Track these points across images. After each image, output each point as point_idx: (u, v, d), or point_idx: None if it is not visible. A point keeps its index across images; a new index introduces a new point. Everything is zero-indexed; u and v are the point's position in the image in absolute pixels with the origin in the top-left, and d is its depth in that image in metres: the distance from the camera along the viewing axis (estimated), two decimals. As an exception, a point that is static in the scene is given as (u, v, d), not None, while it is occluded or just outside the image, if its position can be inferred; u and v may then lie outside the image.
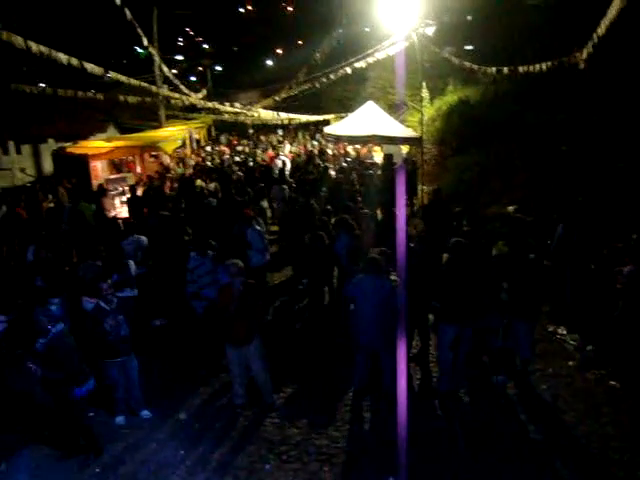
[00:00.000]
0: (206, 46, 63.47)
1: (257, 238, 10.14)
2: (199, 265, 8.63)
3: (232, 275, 7.17)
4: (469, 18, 27.57)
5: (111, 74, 12.60)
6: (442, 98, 22.16)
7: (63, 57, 9.92)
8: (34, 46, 8.85)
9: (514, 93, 17.57)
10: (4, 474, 5.70)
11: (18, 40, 8.46)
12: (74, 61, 10.21)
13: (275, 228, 14.21)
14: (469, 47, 26.64)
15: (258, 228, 10.42)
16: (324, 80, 21.77)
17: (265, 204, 13.41)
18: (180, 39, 63.33)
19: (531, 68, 13.08)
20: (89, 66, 11.00)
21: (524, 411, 7.16)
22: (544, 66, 12.71)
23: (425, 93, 20.31)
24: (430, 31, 18.33)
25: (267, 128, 32.28)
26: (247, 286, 7.21)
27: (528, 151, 14.69)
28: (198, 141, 28.90)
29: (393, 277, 7.31)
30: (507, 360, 7.84)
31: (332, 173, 17.76)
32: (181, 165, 22.38)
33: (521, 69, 13.50)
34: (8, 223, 13.79)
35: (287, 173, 18.54)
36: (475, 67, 16.50)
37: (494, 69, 14.76)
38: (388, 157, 19.26)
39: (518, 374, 7.85)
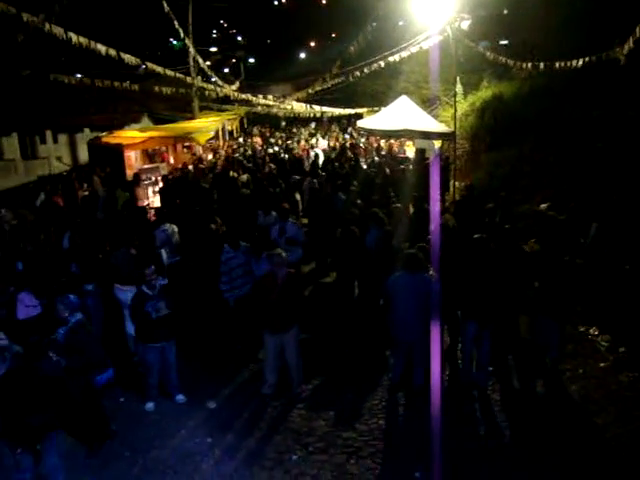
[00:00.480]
0: (240, 38, 63.72)
1: (298, 232, 10.15)
2: (232, 257, 8.65)
3: (276, 265, 7.35)
4: (505, 12, 27.23)
5: (147, 65, 12.73)
6: (476, 93, 21.92)
7: (102, 48, 10.10)
8: (74, 37, 9.02)
9: (549, 89, 17.27)
10: (37, 456, 5.89)
11: (59, 31, 8.62)
12: (112, 52, 10.38)
13: (305, 221, 14.23)
14: (504, 42, 26.31)
15: (295, 222, 10.43)
16: (358, 73, 21.73)
17: (298, 197, 13.40)
18: (214, 31, 63.72)
19: (568, 64, 12.86)
20: (126, 57, 11.18)
21: (553, 411, 7.09)
22: (581, 61, 12.48)
23: (459, 88, 20.11)
24: (465, 25, 18.12)
25: (299, 121, 32.31)
26: (289, 276, 7.39)
27: (562, 148, 14.45)
28: (231, 132, 29.10)
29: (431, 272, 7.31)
30: (535, 358, 7.77)
31: (364, 167, 17.73)
32: (215, 156, 22.54)
33: (558, 65, 13.27)
34: (45, 210, 14.07)
35: (320, 166, 18.51)
36: (510, 62, 16.31)
37: (530, 64, 14.55)
38: (420, 152, 19.14)
39: (547, 373, 7.77)
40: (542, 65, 13.86)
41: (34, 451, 5.82)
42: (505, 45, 25.67)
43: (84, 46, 9.34)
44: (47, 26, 8.31)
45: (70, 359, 6.22)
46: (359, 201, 11.79)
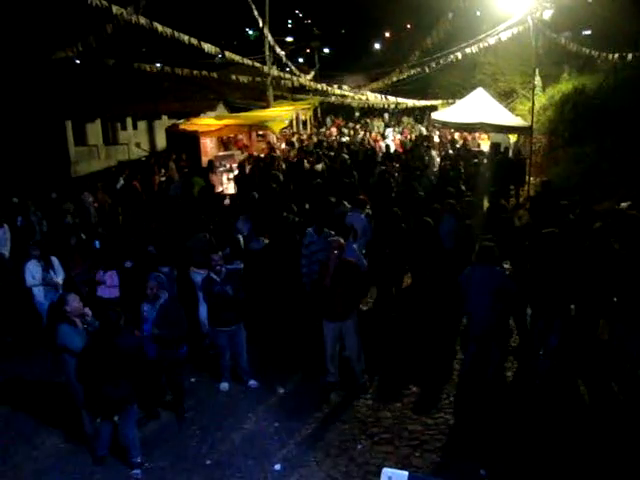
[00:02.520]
0: (315, 28, 63.84)
1: (366, 225, 10.11)
2: (313, 242, 8.70)
3: (332, 249, 7.29)
4: (589, 0, 26.10)
5: (226, 53, 12.99)
6: (555, 86, 21.18)
7: (184, 37, 10.38)
8: (159, 27, 9.31)
9: (636, 81, 16.51)
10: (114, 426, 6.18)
11: (145, 22, 8.91)
12: (193, 41, 10.67)
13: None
14: (587, 32, 25.28)
15: (358, 215, 10.33)
16: (434, 65, 21.49)
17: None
18: (290, 21, 64.09)
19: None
20: (206, 46, 11.47)
21: (631, 419, 6.85)
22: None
23: (537, 81, 19.51)
24: (547, 15, 17.58)
25: (373, 112, 32.17)
26: (343, 262, 7.29)
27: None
28: (305, 122, 29.24)
29: (506, 266, 7.23)
30: (613, 361, 7.51)
31: (437, 160, 17.52)
32: (289, 145, 22.77)
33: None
34: (124, 194, 14.64)
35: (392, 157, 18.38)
36: (595, 53, 15.70)
37: (617, 55, 13.95)
38: (495, 146, 18.78)
39: (626, 377, 7.50)
40: (630, 56, 13.25)
41: (113, 422, 6.13)
42: (588, 35, 24.66)
43: (168, 35, 9.65)
44: (134, 17, 8.61)
45: (162, 331, 6.63)
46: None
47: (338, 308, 7.26)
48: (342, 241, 7.47)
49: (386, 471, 1.78)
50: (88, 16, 14.29)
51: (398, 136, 24.81)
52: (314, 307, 7.92)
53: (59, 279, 8.98)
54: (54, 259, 9.03)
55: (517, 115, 19.49)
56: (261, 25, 17.71)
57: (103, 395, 5.89)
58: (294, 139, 23.82)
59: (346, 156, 16.57)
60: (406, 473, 1.77)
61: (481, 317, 7.10)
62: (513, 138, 19.25)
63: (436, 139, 22.72)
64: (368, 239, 9.77)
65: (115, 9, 9.13)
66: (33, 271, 8.79)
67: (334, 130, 28.41)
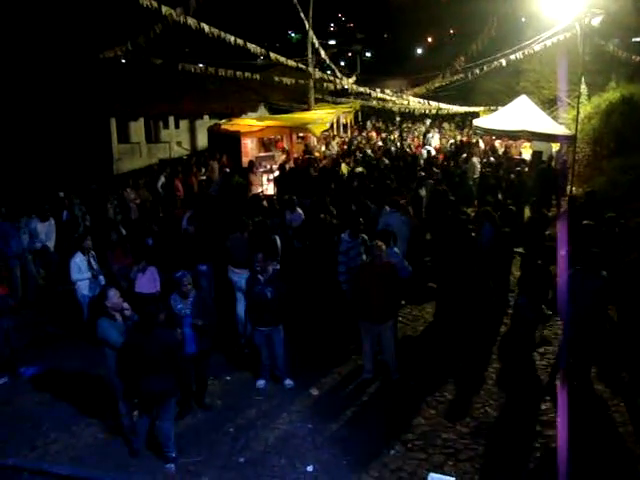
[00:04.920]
0: (357, 32, 63.89)
1: (401, 226, 10.04)
2: (351, 247, 8.68)
3: (374, 254, 7.48)
4: (640, 7, 25.51)
5: (271, 55, 13.10)
6: (602, 95, 20.74)
7: (231, 37, 10.47)
8: (206, 27, 9.43)
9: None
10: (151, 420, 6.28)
11: (193, 22, 9.03)
12: (240, 41, 10.76)
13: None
14: (637, 39, 24.73)
15: (397, 215, 10.29)
16: (477, 71, 21.28)
17: (423, 192, 13.20)
18: (332, 24, 64.27)
19: None
20: (252, 46, 11.55)
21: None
22: None
23: (583, 89, 19.14)
24: (596, 21, 17.18)
25: (413, 117, 32.03)
26: (383, 265, 7.46)
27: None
28: (345, 125, 29.24)
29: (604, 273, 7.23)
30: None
31: (478, 167, 17.35)
32: (328, 147, 22.81)
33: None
34: (166, 192, 14.87)
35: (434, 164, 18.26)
36: (644, 61, 15.32)
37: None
38: (537, 154, 18.51)
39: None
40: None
41: (150, 416, 6.22)
42: (637, 43, 24.12)
43: (215, 36, 9.76)
44: (183, 18, 8.73)
45: (204, 321, 6.83)
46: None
47: (377, 310, 7.40)
48: (383, 245, 7.54)
49: (433, 476, 1.76)
50: (137, 16, 14.62)
51: (437, 142, 24.65)
52: (352, 309, 7.96)
53: (100, 272, 9.15)
54: (93, 254, 9.21)
55: (561, 123, 19.14)
56: (307, 27, 17.72)
57: (142, 389, 5.98)
58: (334, 142, 23.83)
59: (387, 161, 16.52)
60: (453, 479, 1.75)
61: (580, 319, 7.06)
62: (555, 147, 18.94)
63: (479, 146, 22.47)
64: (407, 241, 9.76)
65: (165, 9, 9.30)
66: (79, 264, 8.96)
67: (374, 134, 28.35)
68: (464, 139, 24.37)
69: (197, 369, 7.16)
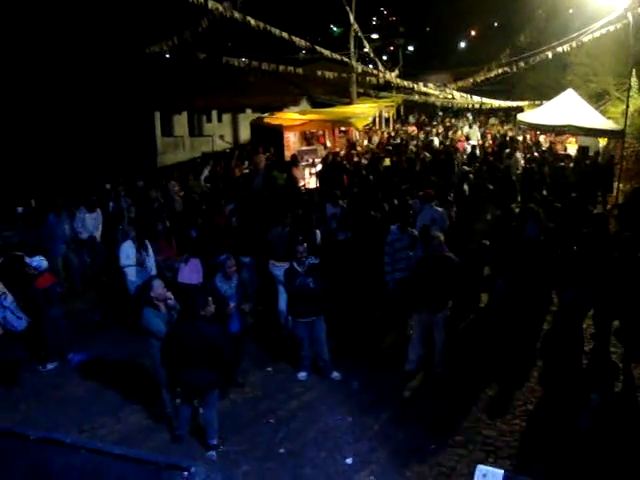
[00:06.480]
0: (400, 26, 63.35)
1: (437, 217, 9.96)
2: (397, 239, 8.72)
3: (433, 246, 7.62)
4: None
5: (316, 48, 13.11)
6: (654, 88, 20.14)
7: (276, 30, 10.52)
8: (252, 21, 9.50)
9: None
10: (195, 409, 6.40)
11: (239, 16, 9.11)
12: (284, 34, 10.79)
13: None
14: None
15: (438, 209, 10.20)
16: (522, 64, 20.87)
17: (465, 187, 13.05)
18: (374, 18, 63.83)
19: None
20: (296, 39, 11.58)
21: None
22: None
23: (634, 82, 18.60)
24: (649, 11, 16.63)
25: (454, 111, 31.67)
26: (443, 258, 7.56)
27: None
28: (387, 119, 29.09)
29: None
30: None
31: (522, 162, 17.06)
32: (371, 141, 22.73)
33: None
34: (210, 185, 15.05)
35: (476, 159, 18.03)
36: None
37: None
38: (583, 150, 18.11)
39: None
40: None
41: (192, 404, 6.34)
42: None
43: (261, 29, 9.83)
44: (230, 12, 8.81)
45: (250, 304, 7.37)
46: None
47: (433, 301, 7.57)
48: (442, 238, 7.68)
49: (481, 468, 1.76)
50: (182, 11, 14.82)
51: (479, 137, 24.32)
52: (397, 303, 7.98)
53: (152, 261, 9.33)
54: (147, 243, 9.39)
55: (609, 118, 18.67)
56: (352, 19, 17.64)
57: (182, 380, 6.10)
58: (376, 137, 23.73)
59: (428, 154, 16.40)
60: (501, 471, 1.75)
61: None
62: (603, 142, 18.50)
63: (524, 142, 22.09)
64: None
65: (211, 4, 9.40)
66: (128, 251, 9.16)
67: (413, 128, 28.14)
68: (511, 134, 23.94)
69: (236, 347, 7.28)
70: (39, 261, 8.28)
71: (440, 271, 7.50)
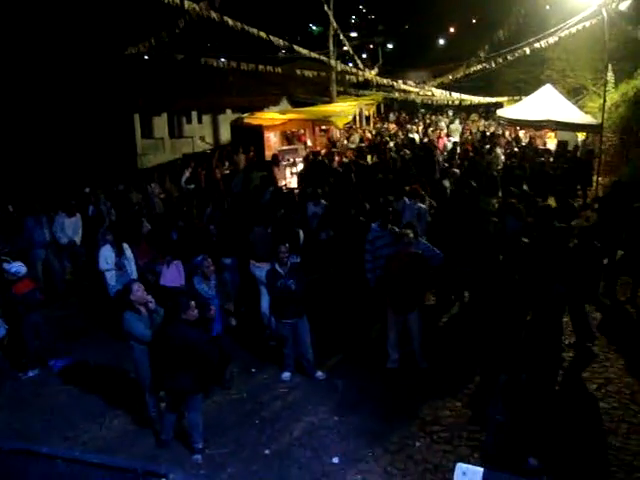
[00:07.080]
0: (378, 24, 63.45)
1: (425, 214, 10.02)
2: (379, 237, 8.69)
3: (403, 244, 7.58)
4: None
5: (294, 47, 13.11)
6: (630, 82, 20.33)
7: (254, 30, 10.50)
8: (230, 21, 9.47)
9: None
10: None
11: (216, 16, 9.07)
12: (262, 34, 10.78)
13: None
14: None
15: (422, 205, 10.27)
16: (500, 60, 21.01)
17: (447, 183, 13.09)
18: (353, 17, 63.85)
19: None
20: (274, 39, 11.56)
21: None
22: None
23: (610, 76, 18.79)
24: (624, 6, 16.80)
25: (435, 108, 31.79)
26: (412, 256, 7.55)
27: None
28: (367, 118, 29.14)
29: None
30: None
31: (502, 157, 17.17)
32: (350, 140, 22.73)
33: None
34: (190, 187, 14.95)
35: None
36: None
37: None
38: (562, 144, 18.28)
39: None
40: None
41: (176, 408, 6.30)
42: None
43: (238, 29, 9.80)
44: (206, 12, 8.78)
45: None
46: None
47: (405, 300, 7.53)
48: (411, 233, 7.65)
49: (460, 466, 1.75)
50: (159, 12, 14.71)
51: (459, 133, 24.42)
52: (378, 300, 7.97)
53: (132, 265, 9.24)
54: (126, 246, 9.30)
55: (587, 112, 18.86)
56: (331, 18, 17.66)
57: (165, 384, 6.06)
58: (356, 135, 23.74)
59: (407, 151, 16.45)
60: (481, 469, 1.74)
61: None
62: (581, 136, 18.67)
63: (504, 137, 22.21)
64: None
65: (187, 4, 9.34)
66: (107, 256, 9.07)
67: (393, 126, 28.20)
68: (492, 130, 24.08)
69: (221, 347, 7.27)
70: (18, 267, 8.18)
71: (409, 269, 7.46)
